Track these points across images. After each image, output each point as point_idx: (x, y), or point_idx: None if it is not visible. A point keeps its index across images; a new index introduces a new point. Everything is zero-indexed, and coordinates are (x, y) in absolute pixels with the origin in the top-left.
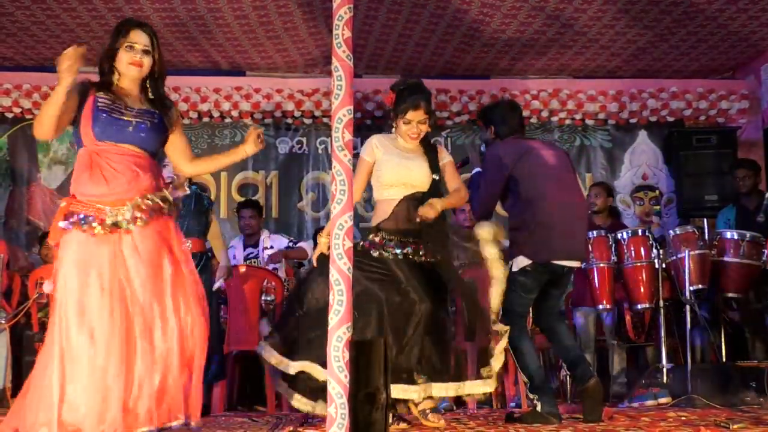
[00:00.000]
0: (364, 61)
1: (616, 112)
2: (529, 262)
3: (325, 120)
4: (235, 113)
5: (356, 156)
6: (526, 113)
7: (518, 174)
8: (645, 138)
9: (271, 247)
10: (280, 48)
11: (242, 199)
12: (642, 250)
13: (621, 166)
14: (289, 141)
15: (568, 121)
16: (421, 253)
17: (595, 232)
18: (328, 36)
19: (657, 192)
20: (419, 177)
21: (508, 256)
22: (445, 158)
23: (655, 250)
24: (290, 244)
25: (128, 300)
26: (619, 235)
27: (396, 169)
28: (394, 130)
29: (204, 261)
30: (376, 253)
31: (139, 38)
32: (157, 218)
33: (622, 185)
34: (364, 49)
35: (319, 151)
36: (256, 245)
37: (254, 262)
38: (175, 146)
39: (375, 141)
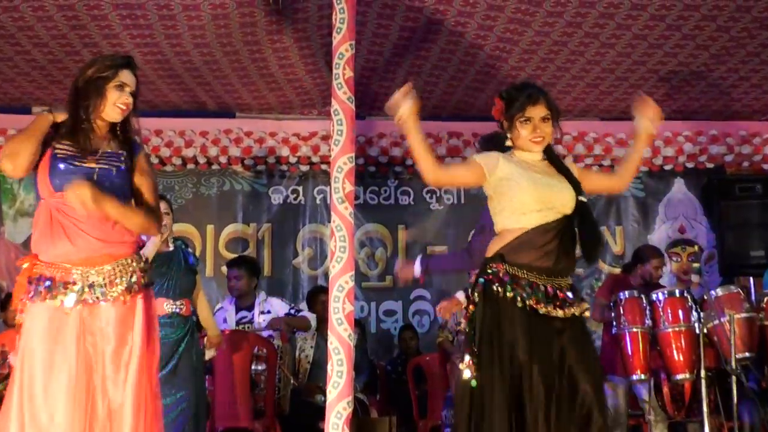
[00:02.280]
0: (367, 101)
1: (649, 157)
2: None
3: (323, 167)
4: (223, 159)
5: (360, 207)
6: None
7: None
8: (681, 186)
9: (268, 312)
10: (273, 87)
11: (232, 256)
12: (680, 312)
13: (655, 218)
14: (283, 190)
15: (595, 168)
16: (562, 304)
17: (626, 293)
18: (327, 73)
19: (696, 247)
20: (564, 197)
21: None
22: (574, 168)
23: (695, 313)
24: (292, 311)
25: (93, 379)
26: (654, 296)
27: (535, 188)
28: (509, 143)
29: (194, 325)
30: (505, 291)
31: (128, 79)
32: (134, 294)
33: (656, 239)
34: (367, 87)
35: (317, 202)
36: (250, 308)
37: (248, 328)
38: (142, 190)
39: (500, 154)
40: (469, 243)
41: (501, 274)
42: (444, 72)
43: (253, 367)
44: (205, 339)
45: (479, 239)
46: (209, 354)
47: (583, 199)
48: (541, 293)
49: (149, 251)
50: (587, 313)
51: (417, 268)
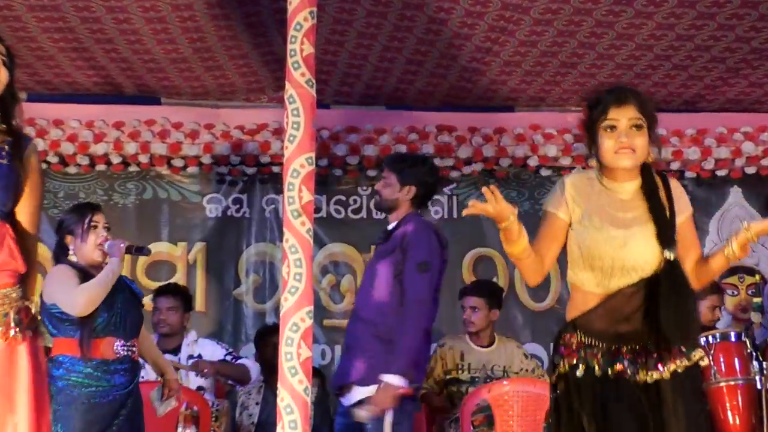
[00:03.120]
0: (332, 85)
1: (696, 159)
2: None
3: (274, 169)
4: (144, 158)
5: (322, 222)
6: (565, 160)
7: None
8: (739, 197)
9: (199, 357)
10: (211, 65)
11: (153, 285)
12: (736, 362)
13: (705, 238)
14: (222, 199)
15: None
16: (647, 366)
17: None
18: (280, 49)
19: (757, 277)
20: (641, 256)
21: None
22: (685, 211)
23: (755, 363)
24: (228, 356)
25: None
26: (703, 341)
27: (601, 243)
28: (593, 162)
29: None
30: (579, 370)
31: None
32: (17, 335)
33: None
34: (332, 67)
35: (266, 215)
36: (176, 352)
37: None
38: (20, 208)
39: (569, 183)
40: (402, 278)
41: (574, 346)
42: (432, 48)
43: (179, 430)
44: (158, 388)
45: (417, 278)
46: (166, 408)
47: (670, 256)
48: (625, 358)
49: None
50: (702, 361)
51: None
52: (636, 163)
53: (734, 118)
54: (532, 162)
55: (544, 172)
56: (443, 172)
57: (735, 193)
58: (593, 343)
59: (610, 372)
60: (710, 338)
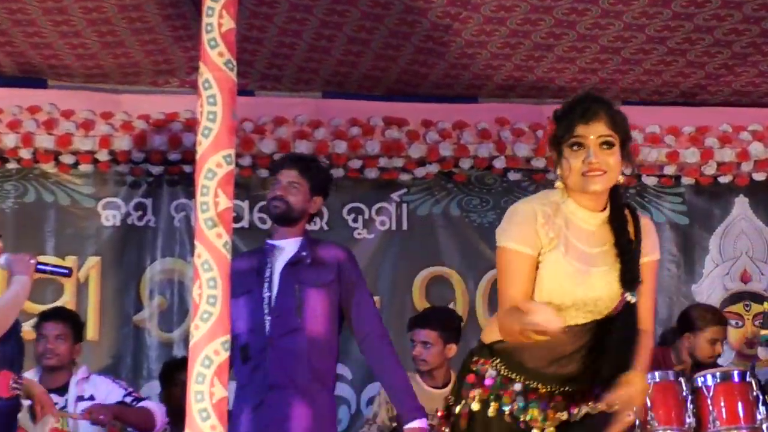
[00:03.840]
0: (257, 68)
1: (695, 163)
2: None
3: (186, 169)
4: (26, 153)
5: (243, 234)
6: (539, 162)
7: None
8: (745, 209)
9: (91, 399)
10: (110, 40)
11: (38, 308)
12: (739, 407)
13: (704, 258)
14: (121, 204)
15: None
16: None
17: (657, 374)
18: (194, 23)
19: (766, 305)
20: (601, 297)
21: None
22: (651, 254)
23: (762, 408)
24: (127, 398)
25: None
26: (699, 381)
27: (561, 278)
28: (559, 184)
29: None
30: (490, 408)
31: None
32: None
33: (704, 291)
34: (258, 45)
35: (175, 223)
36: (62, 392)
37: (61, 425)
38: None
39: (539, 212)
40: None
41: (486, 377)
42: (379, 24)
43: None
44: (27, 408)
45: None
46: (44, 429)
47: (632, 299)
48: (545, 405)
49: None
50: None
51: None
52: (607, 186)
53: (741, 114)
54: (499, 164)
55: (513, 176)
56: (391, 174)
57: (741, 204)
58: (512, 378)
59: (522, 417)
60: (709, 378)
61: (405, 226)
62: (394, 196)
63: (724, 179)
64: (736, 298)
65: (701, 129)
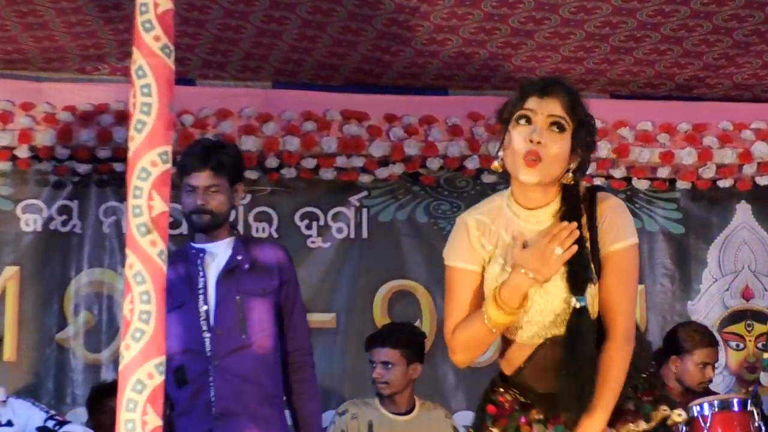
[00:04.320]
0: (199, 54)
1: (691, 165)
2: None
3: (117, 167)
4: None
5: (181, 242)
6: None
7: None
8: (747, 217)
9: (8, 424)
10: (32, 21)
11: None
12: None
13: (701, 272)
14: (43, 207)
15: (597, 180)
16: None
17: None
18: (128, 5)
19: None
20: (554, 307)
21: None
22: (620, 240)
23: None
24: (49, 422)
25: None
26: (695, 411)
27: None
28: (497, 165)
29: None
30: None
31: None
32: None
33: (701, 308)
34: (200, 31)
35: (105, 229)
36: None
37: None
38: None
39: (472, 225)
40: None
41: (507, 407)
42: (337, 6)
43: None
44: None
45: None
46: None
47: (577, 303)
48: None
49: None
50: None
51: None
52: (541, 179)
53: (743, 110)
54: (471, 164)
55: (488, 178)
56: (350, 175)
57: (742, 211)
58: (529, 406)
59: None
60: (706, 406)
61: (365, 234)
62: (353, 199)
63: (724, 183)
64: (737, 317)
65: (698, 126)
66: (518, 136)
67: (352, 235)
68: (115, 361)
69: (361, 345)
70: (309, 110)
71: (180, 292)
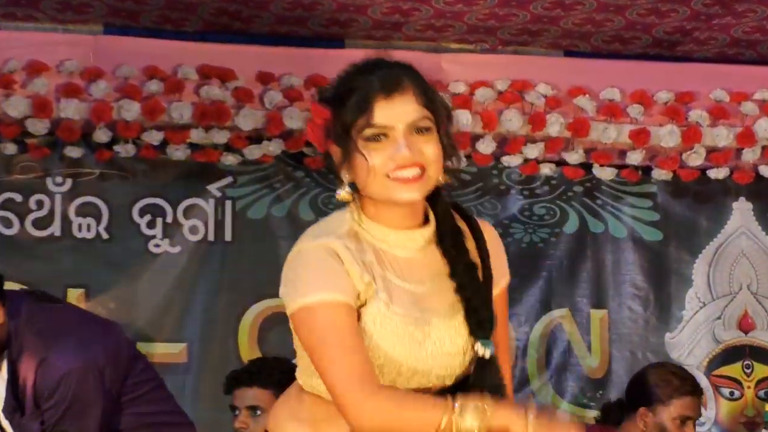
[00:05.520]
0: None
1: (673, 148)
2: None
3: None
4: None
5: None
6: None
7: None
8: (747, 219)
9: None
10: None
11: None
12: None
13: (684, 293)
14: None
15: (546, 170)
16: None
17: None
18: None
19: None
20: (450, 350)
21: None
22: (502, 279)
23: None
24: None
25: None
26: None
27: (398, 340)
28: (343, 195)
29: None
30: None
31: None
32: None
33: (684, 342)
34: None
35: None
36: None
37: None
38: None
39: (341, 248)
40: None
41: None
42: None
43: None
44: None
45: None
46: None
47: (485, 352)
48: None
49: None
50: None
51: None
52: (426, 190)
53: (742, 75)
54: None
55: None
56: (209, 154)
57: (741, 212)
58: None
59: None
60: None
61: (228, 236)
62: (213, 188)
63: (716, 173)
64: (732, 355)
65: (683, 96)
66: (378, 158)
67: (211, 237)
68: None
69: (220, 385)
70: (154, 65)
71: None
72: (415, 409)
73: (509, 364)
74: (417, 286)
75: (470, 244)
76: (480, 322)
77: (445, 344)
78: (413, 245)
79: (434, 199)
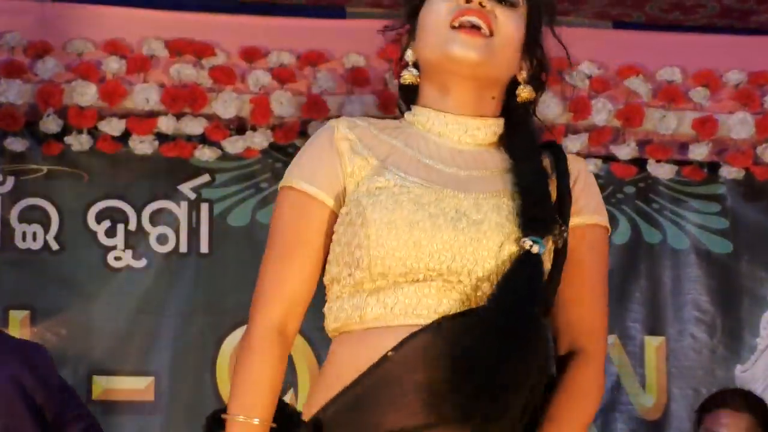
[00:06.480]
0: None
1: (745, 140)
2: None
3: None
4: None
5: None
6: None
7: None
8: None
9: None
10: None
11: None
12: None
13: (758, 319)
14: None
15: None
16: None
17: None
18: None
19: None
20: (483, 248)
21: None
22: (592, 214)
23: None
24: None
25: None
26: None
27: (408, 218)
28: (408, 77)
29: None
30: None
31: None
32: None
33: (758, 375)
34: None
35: None
36: None
37: None
38: None
39: (344, 125)
40: None
41: None
42: None
43: None
44: None
45: None
46: None
47: (533, 246)
48: None
49: None
50: None
51: None
52: (485, 58)
53: (738, 46)
54: None
55: None
56: (182, 148)
57: None
58: None
59: None
60: None
61: (205, 247)
62: (186, 188)
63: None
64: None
65: (757, 76)
66: (444, 6)
67: (183, 248)
68: None
69: (195, 427)
70: (113, 39)
71: None
72: (237, 384)
73: (599, 314)
74: (450, 168)
75: (546, 162)
76: (534, 219)
77: (472, 228)
78: (465, 137)
79: (514, 108)
